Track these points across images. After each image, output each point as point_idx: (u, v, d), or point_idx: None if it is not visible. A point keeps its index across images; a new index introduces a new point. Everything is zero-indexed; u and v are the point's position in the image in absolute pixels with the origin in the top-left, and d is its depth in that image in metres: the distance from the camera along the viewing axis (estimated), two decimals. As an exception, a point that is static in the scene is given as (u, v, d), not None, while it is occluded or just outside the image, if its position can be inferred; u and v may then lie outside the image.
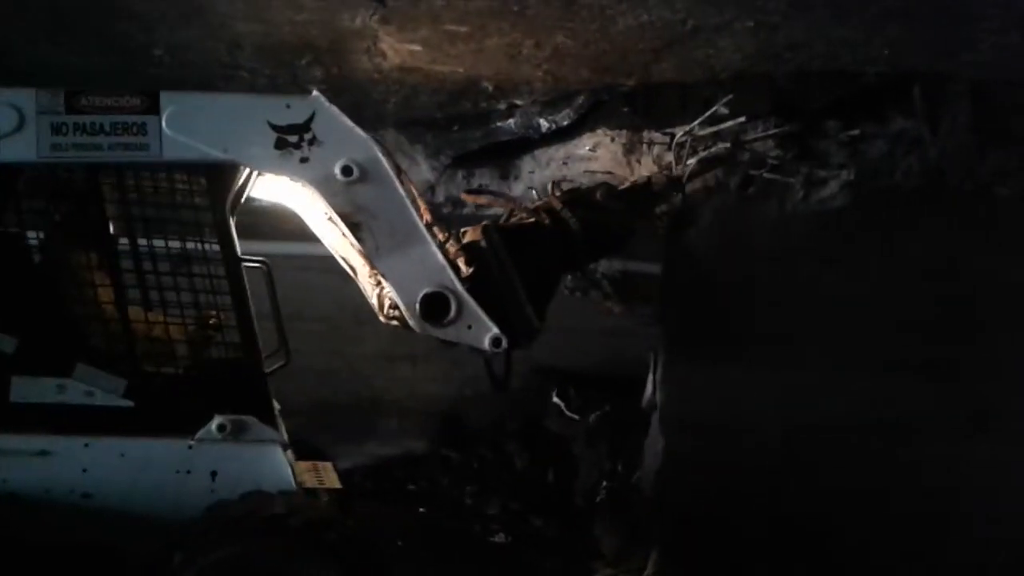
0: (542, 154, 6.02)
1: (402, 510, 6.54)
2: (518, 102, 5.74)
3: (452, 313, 3.84)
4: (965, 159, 5.28)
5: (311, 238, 5.25)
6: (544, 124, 5.78)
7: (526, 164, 6.12)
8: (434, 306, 3.83)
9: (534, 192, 5.27)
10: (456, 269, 3.90)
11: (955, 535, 5.01)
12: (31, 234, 3.80)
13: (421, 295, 3.82)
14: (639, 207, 4.87)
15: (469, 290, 3.86)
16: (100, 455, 3.64)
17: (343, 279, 6.78)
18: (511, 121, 5.86)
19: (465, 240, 4.17)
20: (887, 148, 5.29)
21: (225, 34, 4.79)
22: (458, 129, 5.97)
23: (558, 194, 4.67)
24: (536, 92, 5.59)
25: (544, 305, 4.23)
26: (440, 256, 3.85)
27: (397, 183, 3.79)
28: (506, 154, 6.14)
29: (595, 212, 4.57)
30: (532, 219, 4.45)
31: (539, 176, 6.06)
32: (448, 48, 4.91)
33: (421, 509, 6.60)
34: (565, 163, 5.92)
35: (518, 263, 4.09)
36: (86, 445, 3.63)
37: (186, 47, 4.97)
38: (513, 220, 4.51)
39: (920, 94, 5.14)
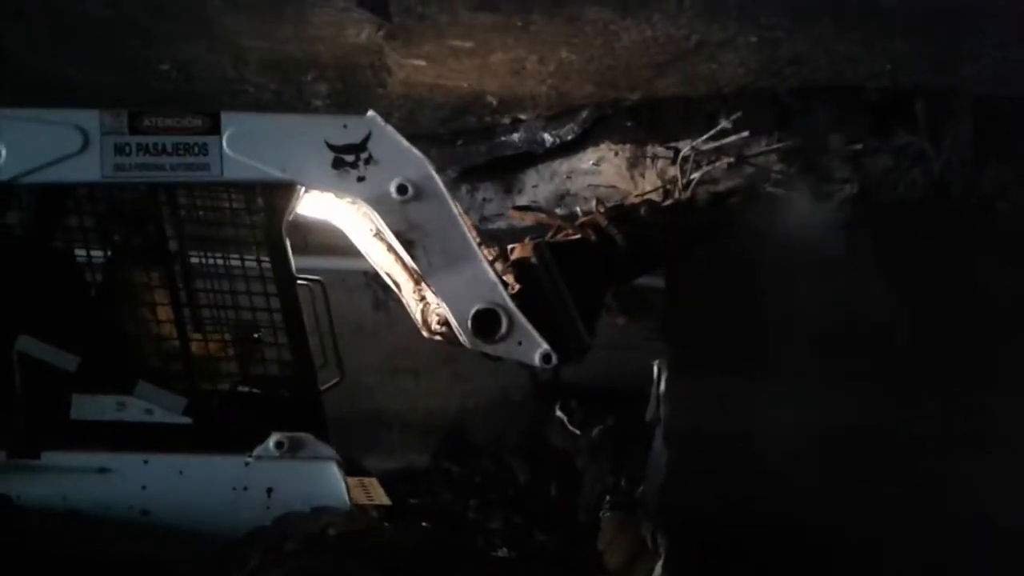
0: (546, 168, 6.03)
1: (405, 524, 6.52)
2: (522, 117, 5.75)
3: (503, 329, 3.86)
4: (967, 173, 5.31)
5: (313, 251, 5.28)
6: (548, 138, 5.79)
7: (530, 178, 6.13)
8: (486, 323, 3.85)
9: (578, 210, 5.28)
10: (505, 285, 3.92)
11: (959, 543, 5.00)
12: (91, 252, 3.85)
13: (473, 312, 3.84)
14: (682, 223, 4.89)
15: (519, 307, 3.88)
16: (159, 472, 3.66)
17: (346, 292, 6.82)
18: (515, 136, 5.88)
19: (514, 257, 4.19)
20: (890, 162, 5.32)
21: (231, 49, 4.81)
22: (462, 144, 5.99)
23: (602, 210, 4.70)
24: (540, 107, 5.61)
25: (594, 321, 4.25)
26: (492, 273, 3.88)
27: (451, 201, 3.84)
28: (510, 168, 6.15)
29: (640, 228, 4.59)
30: (578, 235, 4.46)
31: (543, 190, 6.08)
32: (453, 63, 4.93)
33: (423, 523, 6.57)
34: (569, 177, 5.94)
35: (568, 279, 4.11)
36: (145, 462, 3.66)
37: (192, 62, 4.99)
38: (559, 237, 4.52)
39: (923, 109, 5.17)
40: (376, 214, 3.80)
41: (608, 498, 6.49)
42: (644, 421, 6.26)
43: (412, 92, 5.34)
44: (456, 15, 4.35)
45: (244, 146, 3.66)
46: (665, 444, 5.72)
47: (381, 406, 7.32)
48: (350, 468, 4.27)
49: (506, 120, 5.81)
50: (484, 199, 6.27)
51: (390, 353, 7.21)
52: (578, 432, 7.27)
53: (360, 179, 3.73)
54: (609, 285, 4.65)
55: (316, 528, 3.49)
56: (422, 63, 4.94)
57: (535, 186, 6.10)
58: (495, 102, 5.52)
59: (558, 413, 7.41)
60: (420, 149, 5.93)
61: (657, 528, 5.61)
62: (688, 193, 5.03)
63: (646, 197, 5.04)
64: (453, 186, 6.25)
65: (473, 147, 5.98)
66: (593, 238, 4.45)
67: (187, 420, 3.69)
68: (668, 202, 5.00)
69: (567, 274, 4.13)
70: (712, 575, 5.32)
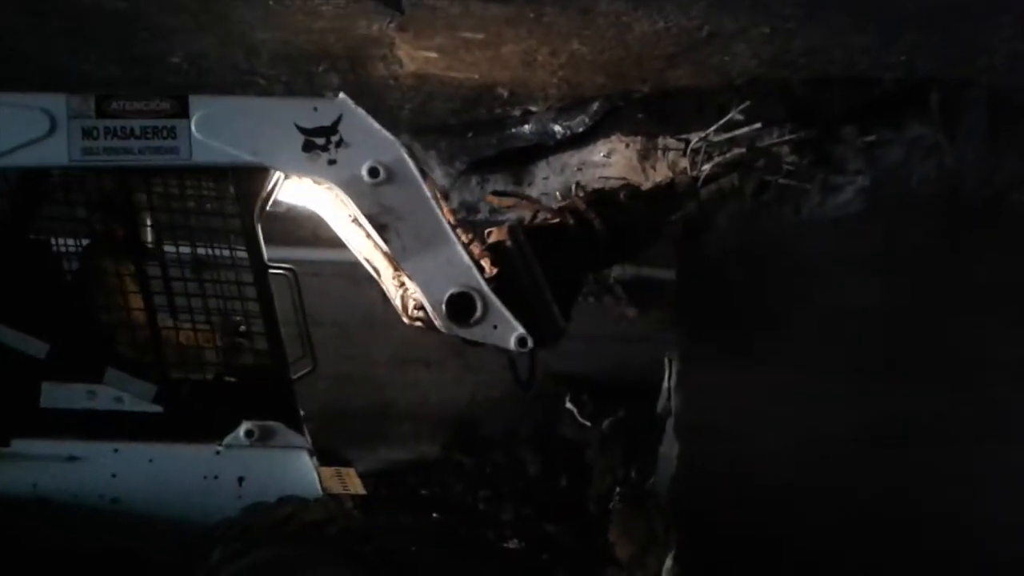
0: (556, 160, 6.02)
1: (415, 515, 6.54)
2: (533, 108, 5.74)
3: (478, 313, 3.85)
4: (982, 166, 5.27)
5: (323, 244, 5.28)
6: (559, 130, 5.78)
7: (540, 170, 6.11)
8: (460, 306, 3.84)
9: (557, 194, 5.25)
10: (481, 269, 3.91)
11: (970, 543, 4.98)
12: (61, 240, 3.85)
13: (447, 295, 3.84)
14: (662, 208, 4.86)
15: (495, 290, 3.87)
16: (129, 460, 3.68)
17: (354, 284, 6.83)
18: (526, 127, 5.86)
19: (490, 240, 4.19)
20: (903, 155, 5.28)
21: (243, 41, 4.80)
22: (473, 135, 5.97)
23: (582, 195, 4.68)
24: (551, 98, 5.59)
25: (569, 305, 4.24)
26: (466, 256, 3.87)
27: (423, 184, 3.81)
28: (520, 160, 6.13)
29: (619, 213, 4.57)
30: (557, 219, 4.45)
31: (553, 182, 6.06)
32: (464, 55, 4.92)
33: (434, 514, 6.60)
34: (579, 169, 5.92)
35: (544, 263, 4.10)
36: (115, 450, 3.68)
37: (204, 55, 4.99)
38: (537, 221, 4.51)
39: (937, 101, 5.13)
40: (348, 198, 3.78)
41: (618, 490, 6.50)
42: (655, 413, 6.26)
43: (423, 84, 5.33)
44: (467, 7, 4.32)
45: (213, 129, 3.65)
46: (676, 436, 5.72)
47: (392, 398, 7.35)
48: (328, 457, 4.30)
49: (517, 112, 5.79)
50: (495, 191, 6.26)
51: (401, 345, 7.22)
52: (589, 424, 7.28)
53: (331, 162, 3.71)
54: (587, 269, 4.64)
55: (278, 518, 3.50)
56: (433, 55, 4.92)
57: (545, 178, 6.09)
58: (506, 94, 5.50)
59: (568, 405, 7.42)
60: (430, 140, 5.97)
61: (668, 520, 5.62)
62: (668, 178, 5.00)
63: (625, 182, 5.01)
64: (464, 177, 6.25)
65: (484, 139, 5.97)
66: (571, 222, 4.43)
67: (158, 408, 3.70)
68: (647, 187, 4.98)
69: (543, 258, 4.11)
70: (723, 567, 5.32)
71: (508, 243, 4.10)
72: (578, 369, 7.34)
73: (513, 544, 6.37)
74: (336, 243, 5.51)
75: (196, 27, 4.63)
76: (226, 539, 3.44)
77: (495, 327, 3.89)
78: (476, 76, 5.22)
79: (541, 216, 4.55)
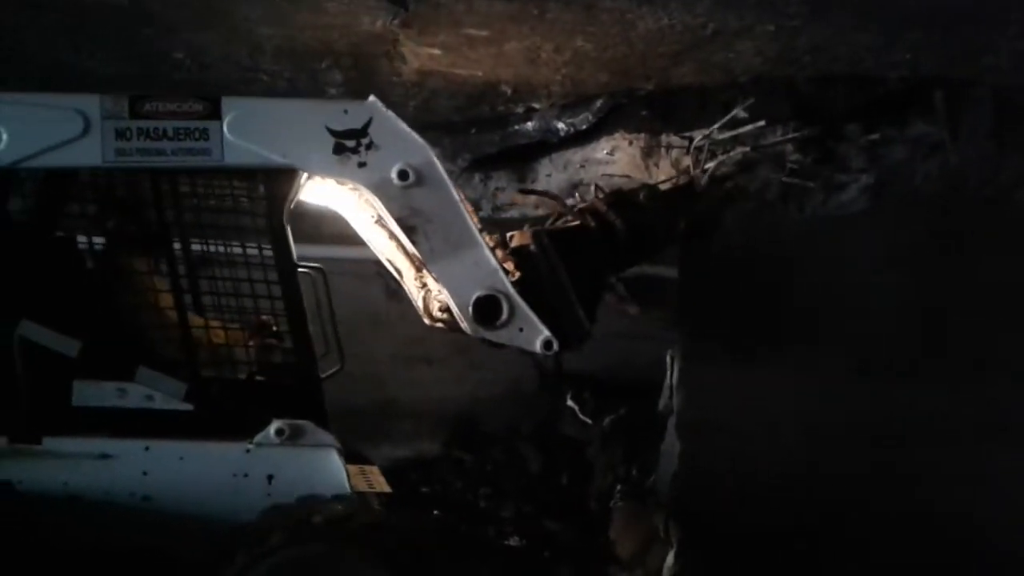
0: (559, 157, 6.02)
1: (416, 512, 6.54)
2: (536, 105, 5.74)
3: (504, 316, 3.88)
4: (985, 165, 5.26)
5: (326, 240, 5.28)
6: (562, 127, 5.78)
7: (543, 167, 6.11)
8: (487, 309, 3.87)
9: (577, 194, 5.27)
10: (506, 273, 3.93)
11: (972, 540, 4.99)
12: (93, 239, 3.88)
13: (474, 298, 3.86)
14: (681, 207, 4.87)
15: (519, 293, 3.89)
16: (160, 458, 3.70)
17: (360, 282, 6.83)
18: (529, 124, 5.86)
19: (513, 244, 4.20)
20: (907, 153, 5.28)
21: (246, 38, 4.80)
22: (476, 132, 5.97)
23: (601, 196, 4.68)
24: (554, 96, 5.59)
25: (594, 307, 4.26)
26: (493, 259, 3.89)
27: (452, 187, 3.84)
28: (524, 157, 6.14)
29: (639, 213, 4.59)
30: (577, 222, 4.47)
31: (556, 180, 6.06)
32: (468, 52, 4.91)
33: (435, 512, 6.60)
34: (583, 167, 5.92)
35: (567, 266, 4.12)
36: (146, 449, 3.69)
37: (207, 51, 4.98)
38: (559, 223, 4.51)
39: (941, 99, 5.12)
40: (377, 200, 3.80)
41: (619, 487, 6.50)
42: (656, 411, 6.26)
43: (427, 81, 5.33)
44: (471, 3, 4.32)
45: (245, 131, 3.67)
46: (677, 434, 5.71)
47: (394, 395, 7.35)
48: (351, 456, 4.29)
49: (520, 109, 5.79)
50: (497, 188, 6.26)
51: (404, 342, 7.22)
52: (590, 421, 7.28)
53: (361, 164, 3.74)
54: (609, 271, 4.65)
55: (302, 516, 3.52)
56: (437, 51, 4.92)
57: (548, 175, 6.08)
58: (510, 91, 5.50)
59: (570, 403, 7.42)
60: (434, 137, 5.95)
61: (669, 518, 5.62)
62: (687, 178, 5.01)
63: (644, 182, 5.02)
64: (466, 175, 6.24)
65: (487, 136, 5.97)
66: (592, 224, 4.45)
67: (188, 407, 3.71)
68: (666, 187, 4.98)
69: (566, 261, 4.13)
70: (725, 565, 5.32)
71: (532, 247, 4.11)
72: (579, 367, 7.34)
73: (514, 542, 6.37)
74: (339, 240, 5.53)
75: (199, 23, 4.62)
76: (251, 538, 3.46)
77: (521, 330, 3.91)
78: (480, 73, 5.22)
79: (562, 219, 4.54)
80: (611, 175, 5.74)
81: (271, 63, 5.10)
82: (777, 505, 5.12)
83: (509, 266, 4.00)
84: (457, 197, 3.85)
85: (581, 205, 4.68)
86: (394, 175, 3.73)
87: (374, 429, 7.11)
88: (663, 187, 4.95)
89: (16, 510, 3.56)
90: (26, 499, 3.59)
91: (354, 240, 5.44)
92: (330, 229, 5.16)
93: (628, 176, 5.70)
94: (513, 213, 6.26)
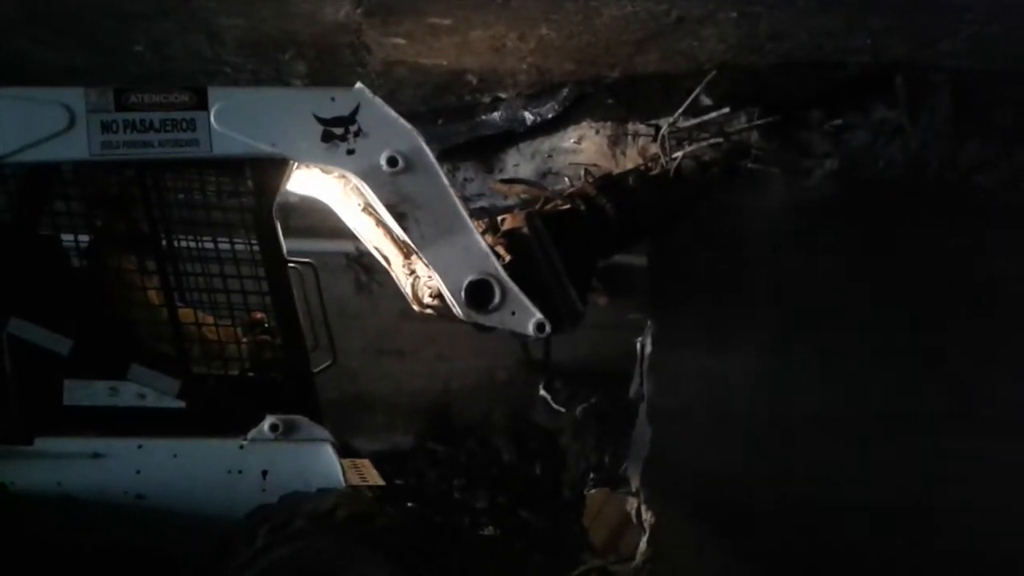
0: (527, 147, 6.02)
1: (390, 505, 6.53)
2: (502, 95, 5.73)
3: (496, 300, 3.88)
4: (945, 149, 5.34)
5: (293, 233, 5.24)
6: (529, 117, 5.77)
7: (511, 157, 6.11)
8: (479, 293, 3.87)
9: (567, 179, 5.27)
10: (497, 257, 3.93)
11: (947, 524, 5.06)
12: (82, 237, 3.83)
13: (466, 283, 3.85)
14: (670, 192, 4.90)
15: (511, 277, 3.89)
16: (153, 456, 3.67)
17: (329, 275, 6.79)
18: (496, 114, 5.85)
19: (506, 227, 4.19)
20: (870, 138, 5.34)
21: (206, 28, 4.74)
22: (443, 123, 5.94)
23: (591, 180, 4.68)
24: (520, 85, 5.58)
25: (586, 290, 4.28)
26: (484, 244, 3.89)
27: (441, 172, 3.83)
28: (491, 148, 6.12)
29: (628, 197, 4.60)
30: (568, 205, 4.47)
31: (524, 169, 6.06)
32: (432, 41, 4.89)
33: (409, 503, 6.60)
34: (550, 156, 5.92)
35: (560, 248, 4.12)
36: (139, 447, 3.66)
37: (167, 42, 4.92)
38: (549, 207, 4.52)
39: (902, 84, 5.18)
40: (367, 187, 3.79)
41: (592, 475, 6.54)
42: (628, 398, 6.29)
43: (391, 71, 5.30)
44: (435, -8, 4.32)
45: (232, 121, 3.63)
46: (648, 420, 5.75)
47: (366, 388, 7.33)
48: (342, 450, 4.32)
49: (486, 99, 5.78)
50: (465, 179, 6.25)
51: (374, 335, 7.20)
52: (562, 410, 7.31)
53: (350, 152, 3.72)
54: (600, 254, 4.67)
55: (324, 508, 3.50)
56: (401, 41, 4.90)
57: (516, 165, 6.08)
58: (475, 80, 5.49)
59: (542, 392, 7.44)
60: (402, 127, 5.84)
61: (641, 504, 5.66)
62: (675, 164, 5.03)
63: (635, 167, 5.04)
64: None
65: (453, 126, 5.95)
66: (582, 208, 4.46)
67: (181, 404, 3.68)
68: (655, 171, 5.01)
69: (559, 243, 4.14)
70: (696, 550, 5.37)
71: (525, 229, 4.11)
72: (551, 356, 7.37)
73: (488, 531, 6.38)
74: (308, 233, 5.49)
75: (158, 13, 4.56)
76: (247, 537, 3.44)
77: (513, 313, 3.91)
78: (445, 63, 5.20)
79: (551, 203, 4.55)
80: (579, 164, 5.74)
81: (233, 54, 5.04)
82: (748, 490, 5.16)
83: (500, 250, 4.00)
84: (446, 182, 3.84)
85: (571, 190, 4.70)
86: (383, 162, 3.72)
87: (347, 422, 7.09)
88: (652, 173, 4.98)
89: (9, 511, 3.51)
90: (19, 500, 3.54)
91: (322, 233, 5.42)
92: (298, 222, 5.14)
93: (596, 165, 5.71)
94: (483, 203, 6.25)
